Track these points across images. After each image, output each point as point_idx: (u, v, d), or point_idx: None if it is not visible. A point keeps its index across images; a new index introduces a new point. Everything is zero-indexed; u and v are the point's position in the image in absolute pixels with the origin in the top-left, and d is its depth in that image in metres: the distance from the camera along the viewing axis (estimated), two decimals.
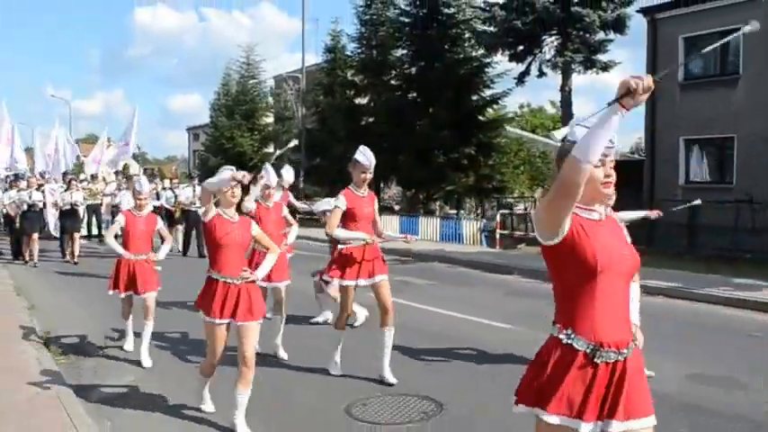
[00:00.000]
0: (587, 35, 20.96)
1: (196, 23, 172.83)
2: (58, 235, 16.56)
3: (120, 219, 7.12)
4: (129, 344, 7.31)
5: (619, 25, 20.10)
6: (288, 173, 8.90)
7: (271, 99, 39.01)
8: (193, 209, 15.93)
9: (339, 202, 6.00)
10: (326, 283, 7.60)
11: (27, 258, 14.85)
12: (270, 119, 38.20)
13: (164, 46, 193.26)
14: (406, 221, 21.23)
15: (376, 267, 6.10)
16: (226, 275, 4.94)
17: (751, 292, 10.52)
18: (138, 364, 6.72)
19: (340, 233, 5.95)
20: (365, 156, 5.99)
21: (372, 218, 6.21)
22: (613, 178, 2.61)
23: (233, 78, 38.63)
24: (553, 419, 2.49)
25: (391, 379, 6.06)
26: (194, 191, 16.18)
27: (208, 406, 5.34)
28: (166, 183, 19.46)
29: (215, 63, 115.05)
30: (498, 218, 19.09)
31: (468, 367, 6.68)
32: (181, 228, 16.86)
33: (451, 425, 5.13)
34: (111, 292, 7.08)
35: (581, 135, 2.43)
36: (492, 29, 21.14)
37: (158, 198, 16.88)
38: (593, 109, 3.11)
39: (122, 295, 7.04)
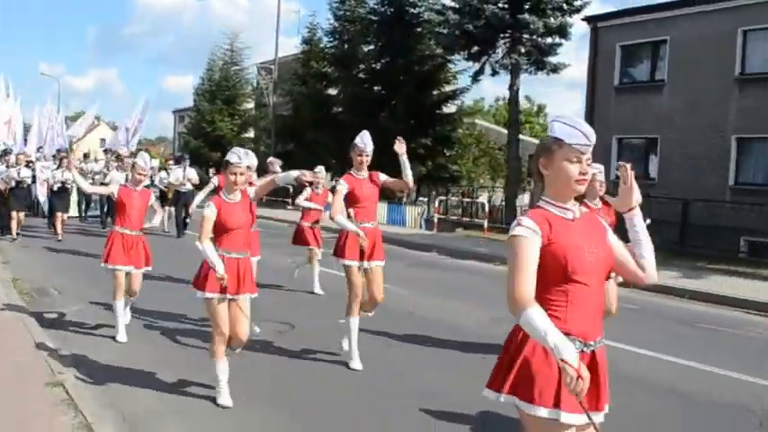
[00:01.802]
0: (538, 39, 22.76)
1: (195, 1, 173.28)
2: (47, 213, 16.55)
3: (115, 190, 7.02)
4: (122, 335, 6.87)
5: (562, 31, 21.85)
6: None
7: (254, 83, 40.84)
8: (183, 189, 16.15)
9: (340, 186, 6.06)
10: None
11: (14, 233, 14.71)
12: (250, 104, 39.99)
13: (161, 23, 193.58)
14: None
15: (374, 252, 6.18)
16: (231, 251, 5.06)
17: None
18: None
19: (340, 220, 6.00)
20: (362, 139, 6.10)
21: (375, 199, 6.26)
22: (589, 176, 2.63)
23: (217, 64, 40.50)
24: (541, 412, 2.53)
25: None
26: (184, 172, 16.40)
27: (224, 399, 5.11)
28: (155, 163, 19.54)
29: (211, 43, 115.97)
30: (437, 204, 20.98)
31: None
32: (169, 209, 16.62)
33: (298, 338, 7.05)
34: (104, 266, 6.86)
35: (559, 131, 2.61)
36: (447, 31, 22.91)
37: (152, 179, 16.80)
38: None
39: (120, 268, 6.79)
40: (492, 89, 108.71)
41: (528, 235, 2.55)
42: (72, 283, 9.80)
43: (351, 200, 6.12)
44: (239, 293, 5.07)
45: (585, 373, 2.31)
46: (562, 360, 2.32)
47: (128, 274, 6.90)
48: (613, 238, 2.80)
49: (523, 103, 58.18)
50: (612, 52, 21.37)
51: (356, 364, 6.17)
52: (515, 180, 23.41)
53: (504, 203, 23.02)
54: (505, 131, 38.68)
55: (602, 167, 6.10)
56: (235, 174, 5.05)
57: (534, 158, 2.72)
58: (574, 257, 2.56)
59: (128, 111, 21.62)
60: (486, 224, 19.31)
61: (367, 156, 6.09)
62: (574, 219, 2.66)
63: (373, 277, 6.23)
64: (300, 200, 10.05)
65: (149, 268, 7.09)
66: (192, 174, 16.72)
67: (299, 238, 10.02)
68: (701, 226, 17.36)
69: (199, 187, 16.69)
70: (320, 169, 9.86)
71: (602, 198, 6.16)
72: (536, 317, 2.41)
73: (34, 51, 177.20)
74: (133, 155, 16.17)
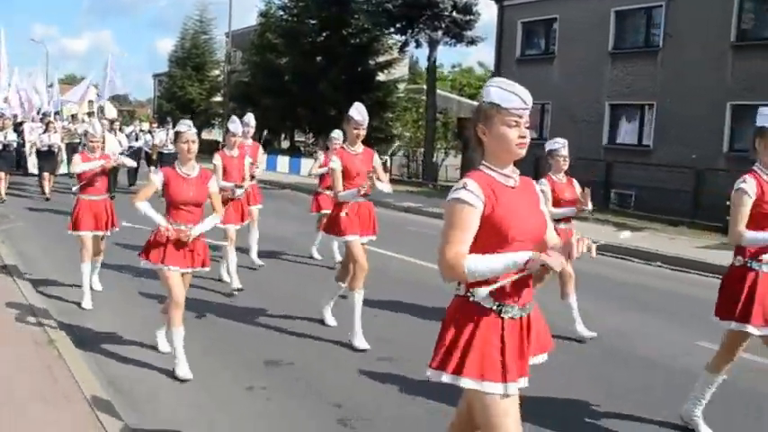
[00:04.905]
0: (456, 15, 24.82)
1: None
2: (36, 172, 16.32)
3: (77, 158, 6.89)
4: (87, 301, 6.68)
5: (468, 10, 23.88)
6: (250, 118, 8.89)
7: (221, 54, 42.63)
8: (166, 151, 16.11)
9: (334, 164, 5.67)
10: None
11: (2, 194, 14.50)
12: (218, 71, 41.90)
13: None
14: (293, 161, 25.70)
15: (368, 226, 5.84)
16: (180, 224, 4.83)
17: None
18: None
19: (346, 196, 5.65)
20: (358, 111, 5.65)
21: (368, 175, 5.71)
22: (527, 139, 2.49)
23: (189, 33, 41.96)
24: (471, 384, 2.46)
25: (363, 345, 5.66)
26: (167, 134, 16.26)
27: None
28: (145, 126, 19.49)
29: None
30: None
31: None
32: (154, 170, 15.57)
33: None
34: (73, 233, 6.75)
35: (495, 96, 2.46)
36: (371, 9, 24.91)
37: (137, 140, 17.36)
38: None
39: (84, 233, 6.65)
40: (446, 58, 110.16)
41: (471, 201, 2.44)
42: (30, 213, 12.01)
43: (344, 176, 5.69)
44: (189, 267, 4.90)
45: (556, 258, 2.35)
46: (527, 263, 2.36)
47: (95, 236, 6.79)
48: (544, 210, 2.70)
49: (478, 70, 60.35)
50: (515, 28, 23.33)
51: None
52: (432, 140, 25.75)
53: (422, 161, 25.40)
54: (453, 97, 41.09)
55: (565, 141, 6.04)
56: (187, 142, 4.83)
57: (471, 125, 2.57)
58: (515, 224, 2.46)
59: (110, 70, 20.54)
60: (387, 176, 21.82)
61: (363, 129, 5.66)
62: (515, 186, 2.55)
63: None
64: (314, 167, 9.66)
65: (116, 229, 6.94)
66: None
67: (318, 205, 9.43)
68: (581, 181, 19.67)
69: None
70: (338, 134, 9.11)
71: (566, 173, 6.05)
72: (479, 261, 2.37)
73: (28, 12, 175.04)
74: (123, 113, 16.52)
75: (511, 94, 2.48)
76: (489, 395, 2.47)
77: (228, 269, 7.48)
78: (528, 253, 2.40)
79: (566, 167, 5.98)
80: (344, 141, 5.95)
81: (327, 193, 8.90)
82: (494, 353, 2.46)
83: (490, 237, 2.46)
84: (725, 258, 9.69)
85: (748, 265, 3.91)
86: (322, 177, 9.40)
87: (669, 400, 4.71)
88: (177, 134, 4.90)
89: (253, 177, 8.27)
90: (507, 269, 2.40)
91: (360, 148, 5.76)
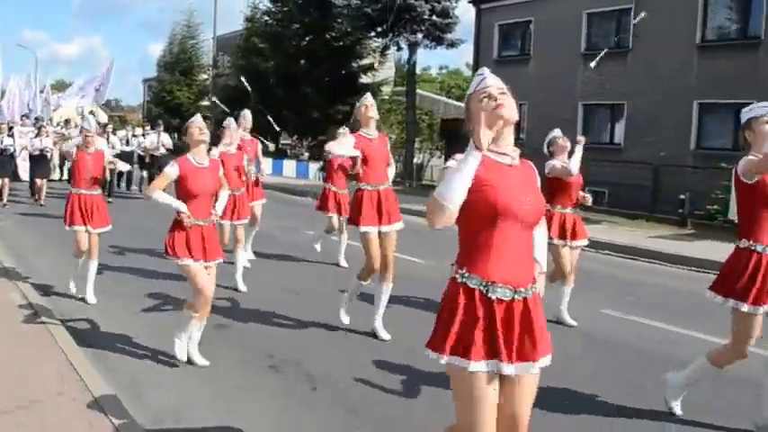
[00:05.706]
0: (435, 18, 25.19)
1: None
2: (27, 177, 16.16)
3: (74, 152, 6.86)
4: (73, 286, 7.02)
5: (445, 14, 24.20)
6: (246, 112, 8.89)
7: (210, 57, 42.94)
8: (157, 153, 16.17)
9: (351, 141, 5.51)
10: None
11: (4, 199, 14.51)
12: (206, 75, 42.21)
13: None
14: (276, 162, 26.13)
15: (390, 214, 5.63)
16: (198, 219, 4.84)
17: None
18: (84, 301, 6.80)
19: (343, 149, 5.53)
20: (362, 96, 5.79)
21: (385, 160, 5.71)
22: (503, 99, 2.47)
23: (176, 38, 42.24)
24: (451, 360, 2.45)
25: (384, 335, 5.68)
26: (159, 137, 16.59)
27: (181, 353, 5.05)
28: (138, 130, 19.65)
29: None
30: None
31: None
32: (145, 173, 16.82)
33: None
34: (68, 228, 6.76)
35: (468, 92, 2.56)
36: (351, 13, 25.18)
37: (128, 144, 17.42)
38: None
39: (79, 228, 6.70)
40: (434, 60, 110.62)
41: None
42: (20, 216, 12.50)
43: (362, 160, 5.59)
44: (208, 260, 4.91)
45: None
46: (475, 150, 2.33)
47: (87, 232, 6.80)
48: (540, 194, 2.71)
49: (466, 71, 60.92)
50: (492, 31, 23.80)
51: (345, 317, 5.96)
52: (412, 141, 26.20)
53: (404, 161, 25.82)
54: (440, 98, 41.50)
55: (558, 130, 6.34)
56: (198, 127, 4.94)
57: (465, 128, 2.60)
58: (506, 200, 2.47)
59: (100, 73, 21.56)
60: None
61: (373, 105, 5.65)
62: (511, 165, 2.56)
63: (384, 241, 5.66)
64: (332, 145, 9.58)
65: (107, 228, 6.92)
66: (166, 139, 16.86)
67: (323, 203, 9.22)
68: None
69: (172, 152, 16.45)
70: (344, 131, 8.54)
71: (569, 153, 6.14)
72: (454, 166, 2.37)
73: (17, 17, 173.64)
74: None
75: (472, 83, 2.61)
76: (461, 371, 2.49)
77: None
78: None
79: (568, 147, 6.15)
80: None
81: (333, 189, 9.07)
82: (471, 329, 2.45)
83: (481, 214, 2.49)
84: (670, 247, 10.66)
85: (752, 248, 3.97)
86: (329, 174, 9.24)
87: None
88: (186, 126, 5.01)
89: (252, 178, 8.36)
90: (464, 165, 2.38)
91: (375, 133, 5.66)
